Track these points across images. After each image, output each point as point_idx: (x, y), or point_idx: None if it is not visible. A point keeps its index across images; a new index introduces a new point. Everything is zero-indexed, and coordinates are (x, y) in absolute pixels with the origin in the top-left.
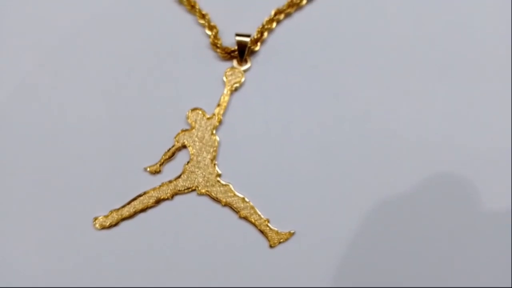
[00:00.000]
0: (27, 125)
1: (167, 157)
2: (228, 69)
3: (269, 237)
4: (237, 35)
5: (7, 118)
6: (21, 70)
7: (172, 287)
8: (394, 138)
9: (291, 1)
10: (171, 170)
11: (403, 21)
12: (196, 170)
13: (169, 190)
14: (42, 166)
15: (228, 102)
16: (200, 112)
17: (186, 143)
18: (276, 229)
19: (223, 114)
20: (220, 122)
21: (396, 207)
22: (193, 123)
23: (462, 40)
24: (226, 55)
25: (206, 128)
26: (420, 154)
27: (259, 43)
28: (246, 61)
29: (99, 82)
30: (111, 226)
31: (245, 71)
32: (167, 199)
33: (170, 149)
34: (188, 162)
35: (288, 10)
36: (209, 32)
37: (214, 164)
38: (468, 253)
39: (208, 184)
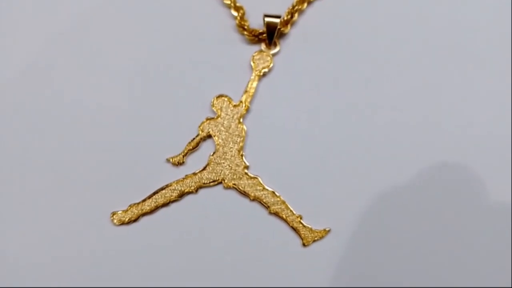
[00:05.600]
0: (44, 114)
1: (191, 147)
2: (256, 53)
3: (302, 235)
4: (266, 16)
5: (25, 107)
6: (39, 55)
7: (195, 287)
8: (433, 126)
9: None
10: (195, 162)
11: (447, 8)
12: (222, 161)
13: (193, 183)
14: (58, 157)
15: (256, 89)
16: (226, 99)
17: (211, 132)
18: (309, 226)
19: (251, 102)
20: (248, 110)
21: (436, 204)
22: (219, 111)
23: (483, 31)
24: (253, 38)
25: (233, 117)
26: (460, 146)
27: (289, 25)
28: (275, 45)
29: (119, 67)
30: (130, 221)
31: (274, 55)
32: (191, 192)
33: (194, 139)
34: (213, 153)
35: None
36: (235, 13)
37: (242, 155)
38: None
39: (235, 176)
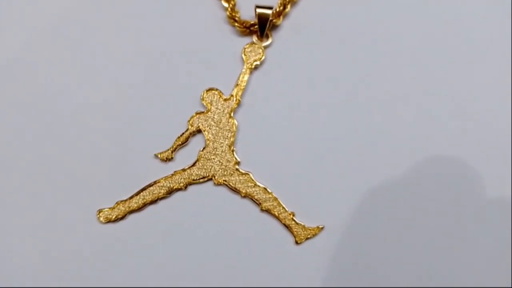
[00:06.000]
0: (31, 109)
1: (180, 142)
2: (247, 45)
3: (295, 233)
4: (258, 7)
5: (10, 102)
6: (24, 49)
7: (185, 287)
8: (428, 122)
9: None
10: (184, 157)
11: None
12: (212, 157)
13: (182, 180)
14: (43, 152)
15: (247, 82)
16: (217, 92)
17: (201, 127)
18: (302, 223)
19: (242, 95)
20: (239, 103)
21: (435, 202)
22: (209, 105)
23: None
24: (245, 29)
25: (223, 111)
26: (462, 138)
27: (281, 17)
28: (267, 37)
29: (106, 60)
30: (117, 219)
31: (265, 47)
32: (180, 189)
33: (183, 133)
34: (203, 149)
35: None
36: (225, 4)
37: (232, 151)
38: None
39: (225, 173)
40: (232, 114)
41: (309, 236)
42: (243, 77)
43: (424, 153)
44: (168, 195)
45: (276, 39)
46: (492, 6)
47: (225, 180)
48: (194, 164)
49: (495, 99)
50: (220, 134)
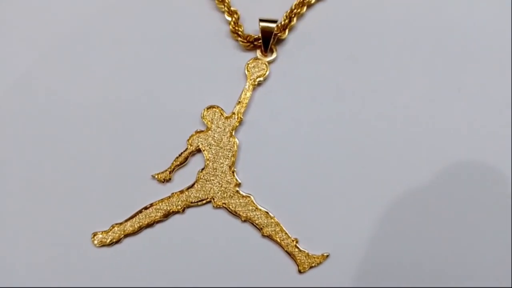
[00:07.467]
0: (25, 127)
1: (178, 163)
2: (251, 61)
3: (298, 261)
4: (261, 20)
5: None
6: (19, 64)
7: None
8: (440, 136)
9: None
10: (183, 178)
11: (448, 10)
12: (212, 178)
13: (180, 202)
14: (35, 171)
15: (250, 99)
16: (218, 110)
17: (200, 146)
18: (306, 251)
19: (244, 113)
20: (241, 122)
21: (443, 226)
22: (209, 123)
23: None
24: (248, 44)
25: (224, 129)
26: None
27: (286, 30)
28: (271, 51)
29: (103, 75)
30: (112, 243)
31: (270, 62)
32: (178, 212)
33: (182, 153)
34: (202, 169)
35: None
36: (229, 18)
37: (233, 172)
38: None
39: (225, 195)
40: (233, 133)
41: (313, 264)
42: (245, 94)
43: (435, 171)
44: (165, 218)
45: (281, 54)
46: (496, 18)
47: (225, 203)
48: (192, 186)
49: (507, 105)
50: (220, 154)
